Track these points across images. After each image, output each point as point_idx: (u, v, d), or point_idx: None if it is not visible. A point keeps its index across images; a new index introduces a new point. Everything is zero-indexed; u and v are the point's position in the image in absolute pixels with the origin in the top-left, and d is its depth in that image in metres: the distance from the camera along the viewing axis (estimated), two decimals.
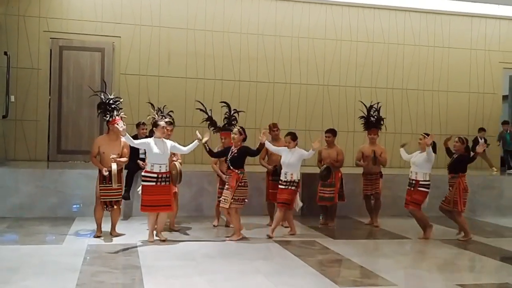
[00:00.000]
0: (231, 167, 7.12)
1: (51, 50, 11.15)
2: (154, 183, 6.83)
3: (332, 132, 8.43)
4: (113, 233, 7.30)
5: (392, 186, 9.51)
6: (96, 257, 6.15)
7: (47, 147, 11.13)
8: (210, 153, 7.23)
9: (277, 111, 12.18)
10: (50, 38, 11.14)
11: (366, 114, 8.79)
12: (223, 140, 7.99)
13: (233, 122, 8.11)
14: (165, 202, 6.88)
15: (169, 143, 7.02)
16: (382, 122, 8.81)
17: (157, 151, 6.84)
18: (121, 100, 7.47)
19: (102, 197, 7.10)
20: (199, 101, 8.38)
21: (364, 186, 8.71)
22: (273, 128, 8.33)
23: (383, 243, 7.56)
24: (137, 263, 5.83)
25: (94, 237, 7.16)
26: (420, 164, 7.46)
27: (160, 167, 6.85)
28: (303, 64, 12.42)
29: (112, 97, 7.34)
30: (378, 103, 8.96)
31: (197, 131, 7.14)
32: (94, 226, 7.59)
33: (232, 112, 8.13)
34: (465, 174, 7.69)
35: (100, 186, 7.09)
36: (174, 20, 11.72)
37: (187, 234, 7.59)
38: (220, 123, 8.25)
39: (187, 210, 8.99)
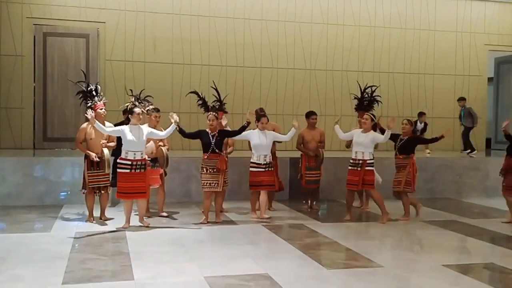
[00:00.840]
0: (217, 151, 7.20)
1: (34, 36, 11.03)
2: (128, 170, 6.79)
3: (316, 114, 8.46)
4: (102, 218, 7.44)
5: (377, 169, 9.55)
6: (84, 244, 6.15)
7: (33, 135, 11.06)
8: (182, 133, 7.18)
9: (264, 96, 12.17)
10: (34, 24, 11.00)
11: (360, 95, 8.65)
12: (218, 120, 7.96)
13: (224, 104, 8.04)
14: (140, 189, 6.85)
15: (145, 129, 6.95)
16: (373, 105, 8.68)
17: (131, 138, 6.78)
18: (93, 86, 7.44)
19: (91, 183, 7.17)
20: (193, 91, 8.22)
21: None
22: (260, 113, 8.31)
23: (369, 225, 7.63)
24: (125, 250, 5.84)
25: (86, 221, 7.31)
26: (366, 145, 7.55)
27: (135, 154, 6.78)
28: (290, 48, 12.40)
29: (91, 84, 7.41)
30: (373, 86, 8.64)
31: (173, 114, 6.98)
32: (82, 213, 7.75)
33: (221, 97, 8.04)
34: (414, 154, 7.84)
35: (88, 173, 7.15)
36: (159, 5, 11.62)
37: (176, 220, 7.60)
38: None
39: (176, 196, 9.00)
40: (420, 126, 11.66)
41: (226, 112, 8.06)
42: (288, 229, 7.19)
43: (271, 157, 7.62)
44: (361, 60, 12.84)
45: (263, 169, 7.51)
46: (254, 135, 7.59)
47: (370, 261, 5.58)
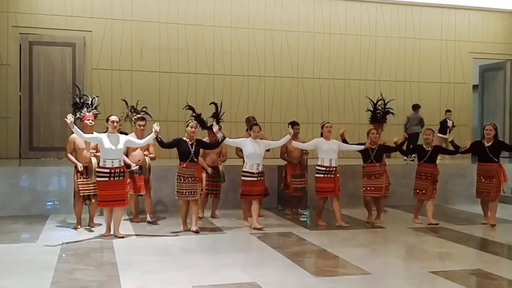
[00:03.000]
0: (195, 160, 7.22)
1: (20, 45, 10.97)
2: (107, 179, 6.76)
3: (298, 124, 8.52)
4: (91, 225, 7.50)
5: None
6: (71, 254, 6.09)
7: (18, 144, 10.97)
8: (160, 143, 7.16)
9: (252, 104, 12.19)
10: (19, 33, 10.95)
11: (372, 108, 8.75)
12: (210, 136, 8.04)
13: (220, 121, 8.06)
14: (119, 197, 6.83)
15: (123, 138, 6.95)
16: (386, 117, 8.76)
17: (108, 146, 6.76)
18: (91, 98, 7.60)
19: (80, 192, 7.23)
20: (188, 104, 8.19)
21: None
22: (252, 121, 8.34)
23: (357, 232, 7.65)
24: (113, 260, 5.80)
25: (73, 228, 7.39)
26: (336, 152, 7.81)
27: (113, 162, 6.76)
28: (277, 57, 12.46)
29: (87, 96, 7.63)
30: (384, 99, 8.79)
31: (154, 124, 7.00)
32: (68, 223, 7.71)
33: (220, 112, 8.06)
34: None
35: (78, 181, 7.23)
36: (146, 14, 11.62)
37: (163, 229, 7.57)
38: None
39: (164, 205, 8.99)
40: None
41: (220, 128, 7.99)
42: (276, 237, 7.19)
43: (263, 166, 7.63)
44: (347, 68, 12.93)
45: (256, 178, 7.52)
46: (247, 144, 7.59)
47: (359, 268, 5.59)
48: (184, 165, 7.21)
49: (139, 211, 8.12)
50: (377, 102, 8.65)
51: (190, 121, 7.40)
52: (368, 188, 8.09)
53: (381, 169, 8.05)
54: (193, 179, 7.17)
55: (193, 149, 7.21)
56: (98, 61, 11.32)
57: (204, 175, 7.93)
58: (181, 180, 7.20)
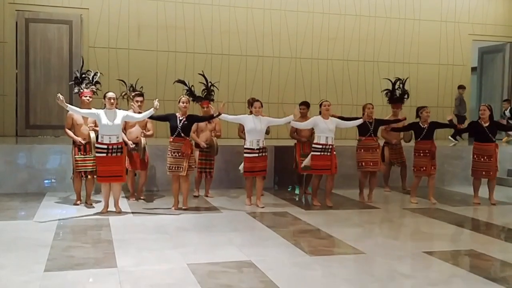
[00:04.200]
0: (183, 135, 7.19)
1: (17, 22, 10.87)
2: (105, 154, 6.82)
3: (306, 104, 8.52)
4: (88, 202, 7.53)
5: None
6: (67, 232, 6.13)
7: (15, 122, 10.95)
8: (151, 116, 7.18)
9: (249, 84, 12.15)
10: (16, 10, 10.85)
11: (391, 88, 9.10)
12: (205, 109, 8.10)
13: (212, 92, 8.14)
14: (117, 172, 6.89)
15: (120, 113, 6.96)
16: (405, 97, 9.15)
17: (106, 122, 6.80)
18: (91, 74, 7.58)
19: (78, 168, 7.28)
20: (180, 80, 8.27)
21: (390, 155, 9.24)
22: (251, 101, 8.33)
23: (353, 213, 7.69)
24: (109, 237, 5.83)
25: (74, 204, 7.48)
26: (333, 130, 7.77)
27: (110, 138, 6.81)
28: (276, 36, 12.37)
29: (90, 71, 7.64)
30: (402, 79, 9.20)
31: (155, 100, 7.07)
32: (65, 201, 7.76)
33: (209, 83, 8.14)
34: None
35: (76, 157, 7.27)
36: None
37: (160, 207, 7.60)
38: (198, 93, 8.27)
39: (161, 184, 9.00)
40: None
41: (212, 100, 8.11)
42: (272, 216, 7.23)
43: (264, 142, 7.64)
44: (346, 49, 12.86)
45: (257, 154, 7.54)
46: (248, 120, 7.60)
47: (353, 248, 5.63)
48: (171, 139, 7.24)
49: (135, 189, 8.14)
50: (396, 82, 8.81)
51: (182, 96, 7.43)
52: (367, 163, 8.19)
53: (377, 143, 8.23)
54: (179, 154, 7.18)
55: (181, 124, 7.20)
56: (95, 39, 11.23)
57: (197, 153, 7.98)
58: (169, 154, 7.26)
